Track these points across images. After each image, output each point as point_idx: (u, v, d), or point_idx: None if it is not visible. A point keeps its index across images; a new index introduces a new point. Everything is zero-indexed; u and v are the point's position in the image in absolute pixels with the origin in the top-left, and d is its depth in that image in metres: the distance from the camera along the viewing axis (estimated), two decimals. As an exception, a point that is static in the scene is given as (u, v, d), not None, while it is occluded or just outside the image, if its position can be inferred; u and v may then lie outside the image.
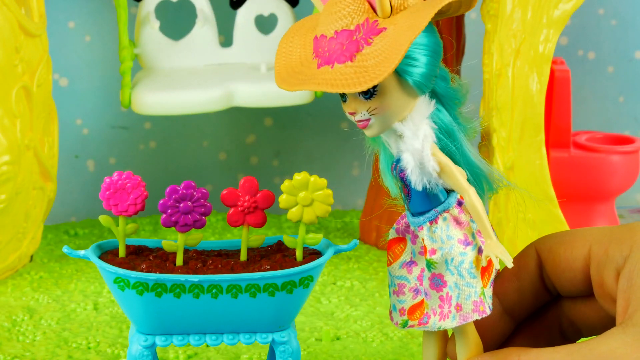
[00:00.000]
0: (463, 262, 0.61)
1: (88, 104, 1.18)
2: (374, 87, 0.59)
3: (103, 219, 0.61)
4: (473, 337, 0.63)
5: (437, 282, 0.61)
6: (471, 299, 0.61)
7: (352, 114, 0.59)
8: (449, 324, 0.61)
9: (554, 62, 0.97)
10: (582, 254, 0.62)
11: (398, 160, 0.61)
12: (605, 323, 0.63)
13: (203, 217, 0.61)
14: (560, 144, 0.96)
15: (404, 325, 0.63)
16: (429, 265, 0.61)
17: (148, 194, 0.62)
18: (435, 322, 0.61)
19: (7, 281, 0.95)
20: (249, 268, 0.61)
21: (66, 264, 1.00)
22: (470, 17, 1.18)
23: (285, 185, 0.60)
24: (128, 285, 0.59)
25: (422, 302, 0.63)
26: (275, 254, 0.63)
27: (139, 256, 0.62)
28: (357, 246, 0.63)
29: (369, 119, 0.59)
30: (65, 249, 0.61)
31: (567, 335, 0.66)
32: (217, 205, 0.63)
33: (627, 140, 1.00)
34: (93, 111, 1.18)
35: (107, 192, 0.61)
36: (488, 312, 0.61)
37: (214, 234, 1.08)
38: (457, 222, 0.61)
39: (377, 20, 0.59)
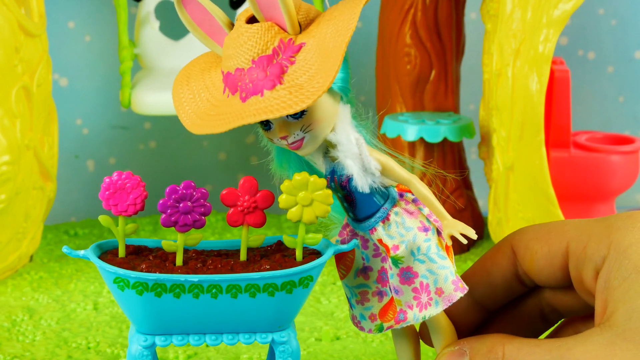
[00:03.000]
0: (430, 248, 0.61)
1: (88, 104, 1.18)
2: None
3: (103, 219, 0.61)
4: (446, 323, 0.63)
5: (407, 276, 0.62)
6: (449, 280, 0.61)
7: (285, 137, 0.59)
8: (434, 311, 0.61)
9: (553, 62, 0.97)
10: (560, 251, 0.62)
11: (334, 171, 0.61)
12: (587, 308, 0.63)
13: (203, 217, 0.61)
14: (560, 144, 0.96)
15: (380, 329, 0.63)
16: (395, 261, 0.61)
17: (148, 194, 0.61)
18: (416, 315, 0.61)
19: (7, 281, 0.95)
20: (249, 268, 0.61)
21: (66, 264, 1.00)
22: (470, 17, 1.18)
23: (285, 185, 0.60)
24: (128, 285, 0.59)
25: (391, 301, 0.63)
26: (275, 254, 0.63)
27: (139, 256, 0.62)
28: (356, 246, 0.63)
29: (302, 138, 0.59)
30: (65, 249, 0.61)
31: (548, 319, 0.66)
32: (217, 205, 0.63)
33: (627, 140, 1.00)
34: (93, 111, 1.18)
35: (107, 192, 0.61)
36: (466, 288, 0.61)
37: (213, 234, 1.08)
38: (409, 212, 0.62)
39: (291, 39, 0.58)
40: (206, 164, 1.21)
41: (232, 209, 0.61)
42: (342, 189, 0.61)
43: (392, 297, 0.63)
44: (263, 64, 0.58)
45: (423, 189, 0.61)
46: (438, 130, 1.00)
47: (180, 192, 0.60)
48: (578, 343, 0.56)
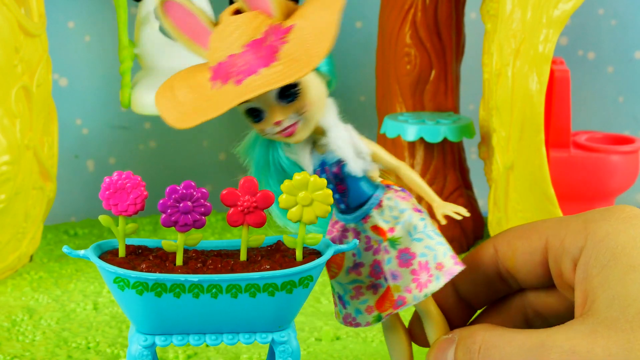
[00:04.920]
0: (426, 226, 0.62)
1: (88, 104, 1.18)
2: (296, 87, 0.59)
3: (103, 218, 0.61)
4: (440, 316, 0.64)
5: (405, 258, 0.62)
6: (448, 255, 0.62)
7: (279, 122, 0.60)
8: (435, 286, 0.62)
9: (553, 62, 0.97)
10: (540, 247, 0.63)
11: (324, 163, 0.61)
12: (571, 311, 0.64)
13: (203, 217, 0.61)
14: (560, 144, 0.96)
15: (378, 319, 0.64)
16: (393, 243, 0.62)
17: (148, 194, 0.61)
18: (416, 295, 0.62)
19: (7, 281, 0.95)
20: (249, 268, 0.61)
21: (66, 264, 1.00)
22: (470, 17, 1.18)
23: (285, 185, 0.60)
24: (128, 285, 0.59)
25: (387, 291, 0.63)
26: (275, 254, 0.63)
27: (139, 256, 0.62)
28: (357, 246, 0.63)
29: (296, 122, 0.60)
30: (65, 249, 0.61)
31: (533, 325, 0.67)
32: (217, 205, 0.63)
33: (627, 140, 1.00)
34: (93, 111, 1.18)
35: (107, 192, 0.61)
36: (463, 264, 0.62)
37: (213, 234, 1.08)
38: (400, 197, 0.63)
39: (280, 23, 0.59)
40: (206, 164, 1.21)
41: (232, 209, 0.61)
42: (335, 177, 0.62)
43: (388, 286, 0.63)
44: (256, 47, 0.58)
45: (412, 174, 0.63)
46: (438, 130, 1.00)
47: (180, 192, 0.60)
48: (560, 331, 0.57)
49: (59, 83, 1.17)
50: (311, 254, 0.62)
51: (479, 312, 0.68)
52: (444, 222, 0.62)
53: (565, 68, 0.96)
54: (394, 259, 0.62)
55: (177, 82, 0.62)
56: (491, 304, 0.68)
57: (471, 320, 0.68)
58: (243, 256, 0.62)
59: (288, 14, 0.60)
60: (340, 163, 0.62)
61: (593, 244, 0.59)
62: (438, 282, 0.62)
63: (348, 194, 0.62)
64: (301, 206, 0.60)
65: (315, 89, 0.60)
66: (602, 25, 1.21)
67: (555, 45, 0.90)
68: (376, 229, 0.63)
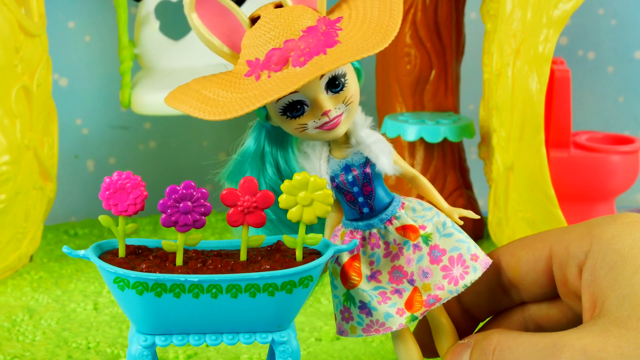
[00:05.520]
0: (452, 222, 0.63)
1: (88, 104, 1.18)
2: (345, 76, 0.60)
3: (103, 219, 0.61)
4: (452, 327, 0.64)
5: (435, 254, 0.62)
6: (478, 248, 0.63)
7: (327, 112, 0.59)
8: (473, 276, 0.62)
9: (554, 62, 0.97)
10: (544, 255, 0.63)
11: (349, 164, 0.62)
12: (573, 323, 0.64)
13: (203, 217, 0.61)
14: (560, 144, 0.96)
15: (414, 318, 0.63)
16: (426, 240, 0.62)
17: (148, 194, 0.61)
18: (451, 289, 0.62)
19: (7, 281, 0.95)
20: (249, 268, 0.61)
21: (66, 264, 1.00)
22: (470, 17, 1.18)
23: (285, 185, 0.60)
24: (128, 285, 0.59)
25: (413, 292, 0.63)
26: (275, 254, 0.63)
27: (139, 256, 0.62)
28: (357, 246, 0.63)
29: (342, 114, 0.60)
30: (65, 249, 0.61)
31: None
32: (217, 205, 0.63)
33: (627, 140, 1.00)
34: (93, 111, 1.18)
35: (107, 192, 0.61)
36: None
37: (213, 234, 1.08)
38: (420, 199, 0.64)
39: (325, 16, 0.60)
40: (206, 164, 1.21)
41: (232, 209, 0.61)
42: (364, 177, 0.62)
43: (415, 287, 0.63)
44: (314, 32, 0.58)
45: (427, 182, 0.64)
46: (438, 130, 1.00)
47: (180, 192, 0.60)
48: (572, 332, 0.57)
49: (59, 83, 1.17)
50: (311, 254, 0.62)
51: (480, 325, 0.68)
52: (460, 222, 0.63)
53: (565, 68, 0.96)
54: (426, 255, 0.62)
55: (197, 84, 0.61)
56: (492, 319, 0.68)
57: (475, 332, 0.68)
58: (243, 256, 0.62)
59: (331, 10, 0.61)
60: (369, 163, 0.62)
61: (599, 247, 0.59)
62: (475, 273, 0.62)
63: (374, 195, 0.62)
64: (301, 206, 0.60)
65: (355, 83, 0.61)
66: (602, 25, 1.21)
67: (555, 45, 0.90)
68: (404, 228, 0.62)
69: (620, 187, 0.98)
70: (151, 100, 1.00)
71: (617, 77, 1.22)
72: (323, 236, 0.65)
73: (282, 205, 0.60)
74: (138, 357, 0.61)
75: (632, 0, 1.20)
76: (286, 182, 0.60)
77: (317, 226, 0.66)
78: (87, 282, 0.95)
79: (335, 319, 0.65)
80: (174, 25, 1.10)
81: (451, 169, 1.05)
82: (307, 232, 0.62)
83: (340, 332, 0.65)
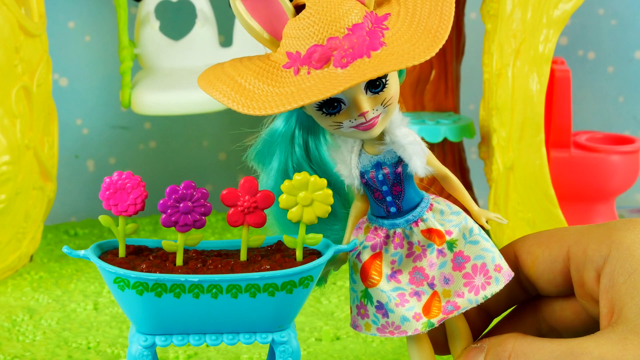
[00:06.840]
0: (480, 229, 0.61)
1: (88, 104, 1.18)
2: (386, 77, 0.58)
3: (103, 219, 0.61)
4: (468, 332, 0.63)
5: (459, 261, 0.61)
6: (502, 258, 0.62)
7: (364, 114, 0.58)
8: (495, 288, 0.61)
9: (554, 62, 0.97)
10: (561, 255, 0.62)
11: (380, 162, 0.60)
12: (586, 324, 0.63)
13: (203, 217, 0.61)
14: (560, 144, 0.96)
15: (430, 325, 0.62)
16: (451, 246, 0.61)
17: (148, 194, 0.61)
18: (471, 298, 0.61)
19: (7, 281, 0.95)
20: (249, 268, 0.61)
21: (66, 264, 1.00)
22: (470, 17, 1.18)
23: (285, 185, 0.60)
24: (128, 285, 0.59)
25: (432, 296, 0.62)
26: (275, 254, 0.63)
27: (139, 256, 0.62)
28: (357, 246, 0.63)
29: (379, 115, 0.59)
30: (65, 249, 0.61)
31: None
32: (217, 205, 0.63)
33: (627, 140, 1.00)
34: (93, 111, 1.18)
35: (107, 192, 0.61)
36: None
37: (214, 234, 1.08)
38: (448, 201, 0.62)
39: (372, 11, 0.58)
40: (206, 164, 1.21)
41: (232, 209, 0.61)
42: (395, 177, 0.61)
43: (435, 292, 0.62)
44: (359, 30, 0.56)
45: (458, 182, 0.62)
46: (438, 130, 1.00)
47: (180, 192, 0.60)
48: (589, 339, 0.56)
49: (59, 83, 1.17)
50: (311, 254, 0.62)
51: (492, 324, 0.68)
52: (488, 226, 0.61)
53: (566, 68, 0.96)
54: (450, 262, 0.61)
55: (232, 69, 0.59)
56: (505, 320, 0.67)
57: (485, 332, 0.67)
58: (243, 256, 0.62)
59: (379, 2, 0.59)
60: (401, 162, 0.61)
61: (618, 253, 0.58)
62: (497, 285, 0.61)
63: (403, 196, 0.62)
64: (301, 206, 0.60)
65: (396, 83, 0.59)
66: (602, 25, 1.21)
67: (555, 45, 0.90)
68: (430, 232, 0.61)
69: (620, 187, 0.98)
70: (151, 100, 1.00)
71: (617, 77, 1.22)
72: (340, 228, 0.64)
73: (282, 205, 0.60)
74: (138, 357, 0.61)
75: (632, 0, 1.20)
76: (286, 182, 0.60)
77: (342, 215, 0.64)
78: (87, 282, 0.95)
79: (351, 312, 0.64)
80: (174, 25, 1.10)
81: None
82: (307, 232, 0.62)
83: (355, 326, 0.64)
